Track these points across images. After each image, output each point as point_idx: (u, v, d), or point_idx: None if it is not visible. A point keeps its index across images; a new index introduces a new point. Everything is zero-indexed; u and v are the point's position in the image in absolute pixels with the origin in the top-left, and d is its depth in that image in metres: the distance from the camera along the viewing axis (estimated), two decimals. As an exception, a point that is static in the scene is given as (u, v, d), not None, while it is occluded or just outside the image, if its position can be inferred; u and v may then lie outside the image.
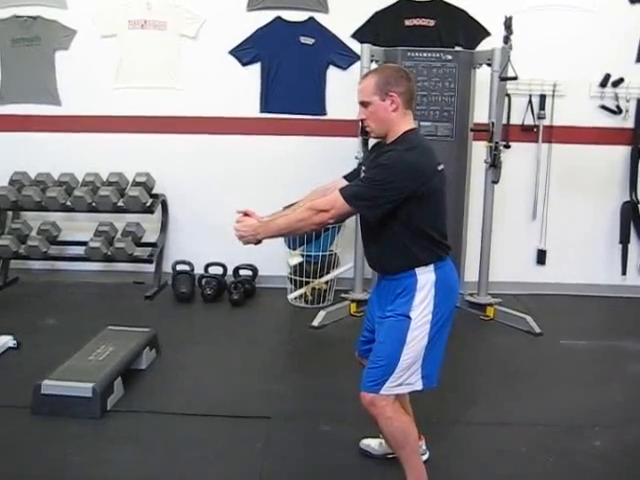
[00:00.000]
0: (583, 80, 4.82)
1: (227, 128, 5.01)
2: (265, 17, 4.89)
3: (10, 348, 3.82)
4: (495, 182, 4.42)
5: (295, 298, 4.80)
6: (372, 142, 2.62)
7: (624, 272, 5.08)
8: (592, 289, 5.07)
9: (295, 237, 4.51)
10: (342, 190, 2.31)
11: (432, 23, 4.81)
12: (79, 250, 4.92)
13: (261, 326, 4.47)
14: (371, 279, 4.33)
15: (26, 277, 5.19)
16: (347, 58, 4.88)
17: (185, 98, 4.98)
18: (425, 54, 4.43)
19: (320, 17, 4.88)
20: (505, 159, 4.42)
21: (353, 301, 4.61)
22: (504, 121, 4.60)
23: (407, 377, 2.36)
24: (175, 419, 3.13)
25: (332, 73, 4.94)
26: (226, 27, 4.89)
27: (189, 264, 5.02)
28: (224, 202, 4.43)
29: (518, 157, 4.87)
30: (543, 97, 4.87)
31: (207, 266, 5.02)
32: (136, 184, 4.92)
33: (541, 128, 4.91)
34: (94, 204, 4.84)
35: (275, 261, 4.88)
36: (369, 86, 2.36)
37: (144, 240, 5.05)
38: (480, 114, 4.52)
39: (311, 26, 4.89)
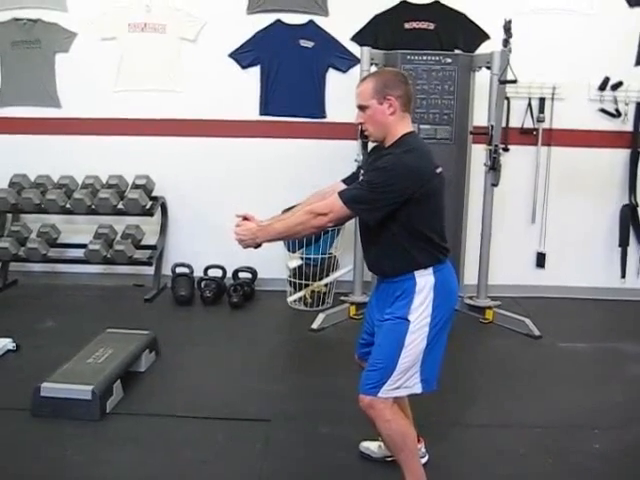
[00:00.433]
0: (582, 83, 4.83)
1: (227, 131, 5.01)
2: (265, 20, 4.90)
3: (9, 350, 3.83)
4: (494, 185, 4.42)
5: (294, 301, 4.79)
6: (371, 145, 2.63)
7: (623, 275, 5.08)
8: (591, 292, 5.07)
9: (294, 240, 4.51)
10: (341, 193, 2.32)
11: (432, 26, 4.82)
12: (79, 252, 4.93)
13: (260, 329, 4.47)
14: (370, 282, 4.32)
15: (25, 279, 5.19)
16: (347, 61, 4.89)
17: (185, 101, 4.98)
18: (425, 57, 4.44)
19: (320, 20, 4.89)
20: (504, 162, 4.42)
21: (352, 304, 4.61)
22: (503, 124, 4.60)
23: (405, 380, 2.36)
24: (174, 421, 3.13)
25: (332, 76, 4.95)
26: (226, 30, 4.90)
27: (188, 267, 5.03)
28: (224, 205, 4.44)
29: (517, 160, 4.87)
30: (542, 100, 4.88)
31: (206, 269, 5.03)
32: (136, 187, 4.92)
33: (540, 131, 4.91)
34: (94, 207, 4.84)
35: (274, 264, 4.88)
36: (367, 90, 2.37)
37: (144, 243, 5.05)
38: (479, 117, 4.52)
39: (311, 29, 4.90)
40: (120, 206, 4.87)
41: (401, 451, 2.43)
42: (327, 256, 4.78)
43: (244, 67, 4.95)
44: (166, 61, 4.95)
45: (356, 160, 4.24)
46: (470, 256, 4.75)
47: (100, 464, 2.77)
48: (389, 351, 2.34)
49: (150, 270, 5.01)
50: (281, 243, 4.61)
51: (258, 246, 2.45)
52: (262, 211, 2.63)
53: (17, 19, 4.92)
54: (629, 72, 4.83)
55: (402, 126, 2.38)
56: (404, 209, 2.28)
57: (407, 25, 4.83)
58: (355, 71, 4.67)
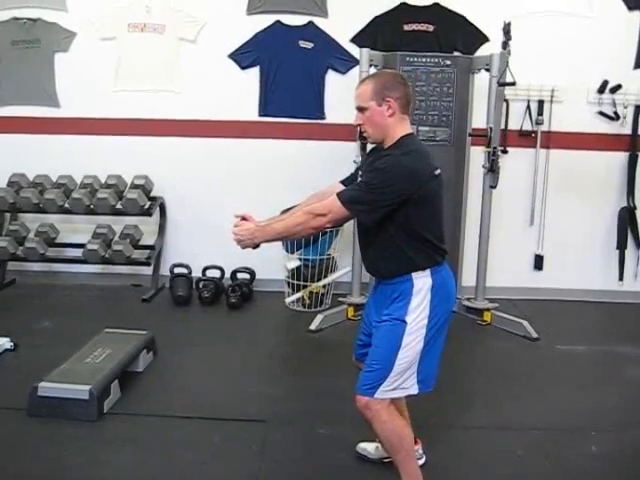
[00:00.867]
0: (581, 86, 4.84)
1: (226, 131, 5.02)
2: (265, 21, 4.90)
3: (7, 350, 3.82)
4: (493, 187, 4.43)
5: (293, 302, 4.79)
6: (370, 146, 2.63)
7: (621, 278, 5.09)
8: (589, 294, 5.08)
9: (293, 241, 4.51)
10: (339, 194, 2.32)
11: (431, 28, 4.83)
12: (77, 252, 4.92)
13: (258, 329, 4.47)
14: (368, 283, 4.33)
15: (23, 279, 5.18)
16: (346, 62, 4.89)
17: (184, 101, 4.98)
18: (424, 59, 4.45)
19: (319, 21, 4.90)
20: (503, 164, 4.43)
21: (350, 305, 4.61)
22: (502, 126, 4.60)
23: (402, 381, 2.37)
24: (172, 422, 3.13)
25: (331, 77, 4.96)
26: (226, 31, 4.90)
27: (187, 267, 5.03)
28: (222, 205, 4.45)
29: (516, 162, 4.88)
30: (541, 103, 4.88)
31: (205, 269, 5.03)
32: (134, 187, 4.92)
33: (539, 133, 4.92)
34: (92, 206, 4.84)
35: (273, 265, 4.89)
36: (366, 92, 2.38)
37: (142, 243, 5.04)
38: (478, 119, 4.53)
39: (310, 30, 4.90)
40: (119, 206, 4.86)
41: (398, 452, 2.43)
42: (325, 257, 4.78)
43: (243, 68, 4.96)
44: (165, 61, 4.96)
45: (355, 161, 4.24)
46: (468, 258, 4.75)
47: (98, 464, 2.76)
48: (386, 352, 2.34)
49: (148, 270, 5.01)
50: (279, 244, 4.61)
51: (256, 246, 2.45)
52: (261, 212, 2.63)
53: (17, 18, 4.92)
54: (628, 75, 4.84)
55: (401, 128, 2.38)
56: (402, 210, 2.28)
57: (406, 27, 4.84)
58: (354, 72, 4.67)
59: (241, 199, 4.60)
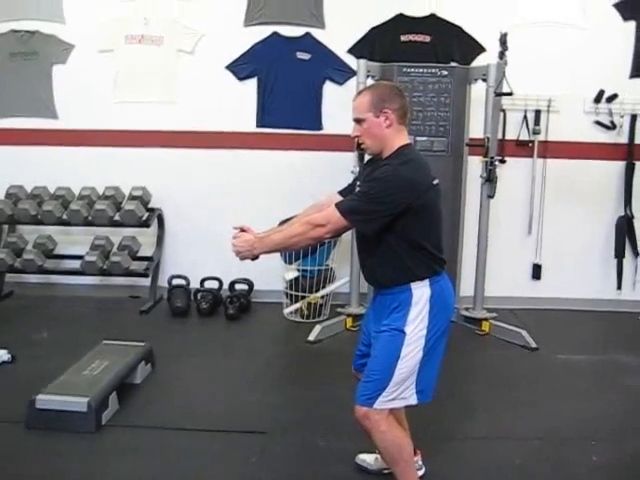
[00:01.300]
0: (578, 96, 4.86)
1: (223, 142, 5.03)
2: (262, 32, 4.92)
3: (5, 362, 3.81)
4: (491, 197, 4.43)
5: (291, 312, 4.79)
6: (368, 156, 2.64)
7: (619, 286, 5.09)
8: (587, 303, 5.07)
9: (291, 252, 4.51)
10: (338, 204, 2.32)
11: (428, 39, 4.84)
12: (75, 264, 4.91)
13: (257, 340, 4.46)
14: (367, 293, 4.33)
15: (21, 290, 5.17)
16: (343, 73, 4.91)
17: (182, 113, 4.99)
18: (421, 70, 4.46)
19: (316, 32, 4.92)
20: (500, 174, 4.43)
21: (349, 315, 4.60)
22: (499, 136, 4.62)
23: (401, 391, 2.36)
24: (170, 433, 3.12)
25: (328, 88, 4.97)
26: (223, 42, 4.92)
27: (185, 278, 5.02)
28: (220, 216, 4.46)
29: (513, 172, 4.88)
30: (538, 112, 4.90)
31: (203, 280, 5.02)
32: (132, 198, 4.92)
33: (536, 143, 4.93)
34: (90, 218, 4.84)
35: (271, 275, 4.88)
36: (363, 103, 2.39)
37: (140, 254, 5.04)
38: (475, 129, 4.55)
39: (307, 41, 4.92)
40: (116, 217, 4.86)
41: (397, 463, 2.42)
42: (324, 268, 4.78)
43: (241, 79, 4.97)
44: (163, 73, 4.97)
45: (353, 172, 4.25)
46: (466, 268, 4.76)
47: (96, 476, 2.76)
48: (385, 362, 2.34)
49: (146, 282, 5.01)
50: (278, 255, 4.61)
51: (255, 258, 2.45)
52: (259, 223, 2.63)
53: (15, 31, 4.94)
54: (624, 85, 4.86)
55: (399, 139, 2.39)
56: (401, 220, 2.29)
57: (403, 37, 4.86)
58: (351, 83, 4.69)
59: (239, 210, 4.62)
